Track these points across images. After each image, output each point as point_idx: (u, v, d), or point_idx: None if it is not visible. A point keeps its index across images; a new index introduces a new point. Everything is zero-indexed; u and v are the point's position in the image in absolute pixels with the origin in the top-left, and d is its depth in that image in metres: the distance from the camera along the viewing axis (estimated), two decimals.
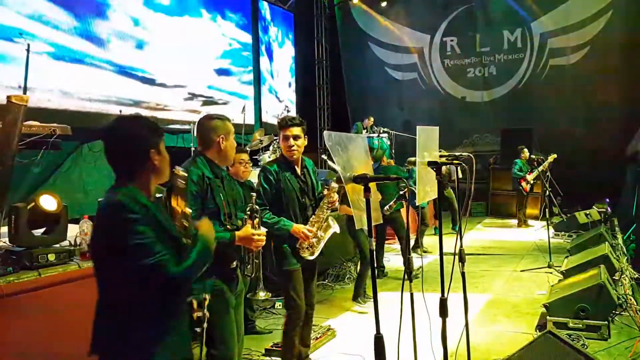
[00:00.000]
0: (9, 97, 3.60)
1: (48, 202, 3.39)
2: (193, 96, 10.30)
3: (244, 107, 8.90)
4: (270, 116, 12.75)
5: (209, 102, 10.68)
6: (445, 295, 2.45)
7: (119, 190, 1.90)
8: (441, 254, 2.49)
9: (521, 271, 6.35)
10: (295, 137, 3.31)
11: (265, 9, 12.65)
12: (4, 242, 3.60)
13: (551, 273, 6.12)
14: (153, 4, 9.34)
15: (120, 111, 8.34)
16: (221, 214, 2.68)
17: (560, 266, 5.97)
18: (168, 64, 9.73)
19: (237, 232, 2.71)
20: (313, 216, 3.37)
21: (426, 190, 2.28)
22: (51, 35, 7.59)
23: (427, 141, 2.32)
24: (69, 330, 3.32)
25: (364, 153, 1.92)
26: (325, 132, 1.89)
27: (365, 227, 1.83)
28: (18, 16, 7.22)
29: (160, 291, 1.83)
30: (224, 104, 11.12)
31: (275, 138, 8.29)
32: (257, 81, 12.22)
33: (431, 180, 2.29)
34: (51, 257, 3.41)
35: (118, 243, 1.79)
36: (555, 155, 9.16)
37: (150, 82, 9.30)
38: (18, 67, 7.21)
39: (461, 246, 2.75)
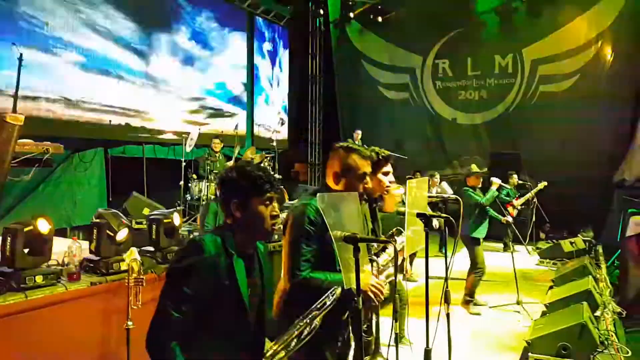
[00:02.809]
0: (3, 117, 3.62)
1: (44, 226, 3.39)
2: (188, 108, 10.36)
3: (236, 125, 8.94)
4: (262, 129, 12.79)
5: (200, 112, 10.73)
6: (430, 345, 2.48)
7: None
8: (427, 304, 2.53)
9: (490, 307, 6.20)
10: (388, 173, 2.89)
11: (261, 25, 12.75)
12: None
13: (518, 312, 5.97)
14: None
15: (110, 121, 8.36)
16: (336, 261, 2.14)
17: (532, 301, 6.01)
18: (169, 74, 9.81)
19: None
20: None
21: (415, 240, 2.33)
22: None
23: (417, 194, 2.38)
24: (53, 354, 3.32)
25: (355, 211, 1.96)
26: (319, 195, 1.92)
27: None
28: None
29: None
30: (219, 115, 11.18)
31: (266, 156, 8.36)
32: (251, 94, 12.28)
33: (419, 229, 2.34)
34: (39, 279, 3.38)
35: None
36: (545, 183, 9.29)
37: (148, 89, 9.33)
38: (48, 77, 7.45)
39: (446, 287, 2.80)
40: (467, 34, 12.61)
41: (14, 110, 3.88)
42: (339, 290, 1.82)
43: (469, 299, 6.11)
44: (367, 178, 2.37)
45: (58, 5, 7.80)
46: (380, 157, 2.82)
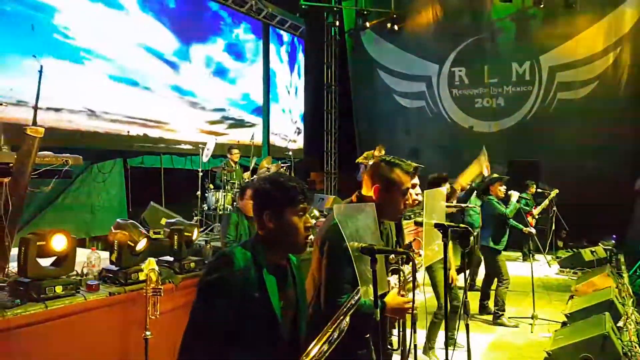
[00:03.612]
0: (24, 129, 3.69)
1: (59, 243, 3.41)
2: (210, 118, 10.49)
3: (252, 135, 9.00)
4: (278, 138, 12.85)
5: (221, 122, 10.86)
6: (450, 356, 2.45)
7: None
8: (445, 314, 2.50)
9: (508, 318, 6.03)
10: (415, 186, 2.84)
11: (276, 35, 12.87)
12: (14, 271, 3.65)
13: (532, 324, 5.78)
14: None
15: (128, 132, 8.48)
16: None
17: (545, 319, 5.91)
18: (197, 85, 10.01)
19: (386, 300, 2.18)
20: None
21: (433, 250, 2.31)
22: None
23: (434, 204, 2.35)
24: None
25: (372, 222, 1.95)
26: (335, 206, 1.90)
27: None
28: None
29: None
30: (240, 126, 11.30)
31: (282, 166, 8.39)
32: (267, 103, 12.37)
33: (438, 239, 2.32)
34: (58, 289, 3.41)
35: None
36: (557, 191, 9.18)
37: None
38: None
39: (465, 298, 2.77)
40: (483, 42, 12.55)
41: (34, 123, 3.94)
42: (364, 289, 1.80)
43: (500, 312, 5.99)
44: (409, 194, 2.33)
45: (93, 16, 8.06)
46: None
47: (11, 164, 3.72)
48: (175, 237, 4.21)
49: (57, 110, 7.44)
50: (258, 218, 1.86)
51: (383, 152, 11.24)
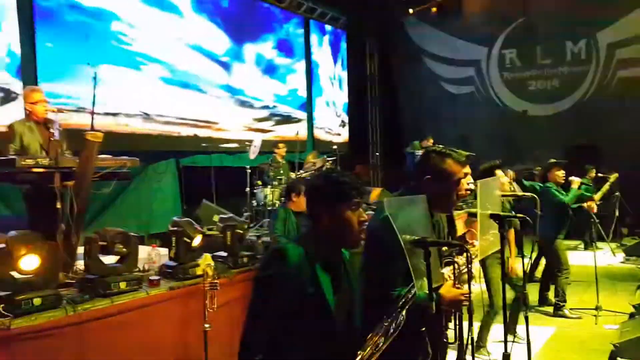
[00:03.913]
0: (84, 135, 3.87)
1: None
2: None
3: (297, 132, 9.07)
4: (323, 132, 12.86)
5: (269, 119, 11.02)
6: (509, 349, 2.40)
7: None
8: (504, 307, 2.45)
9: (570, 309, 5.81)
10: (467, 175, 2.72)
11: (318, 28, 12.86)
12: (81, 269, 3.85)
13: (597, 315, 5.53)
14: None
15: (179, 133, 8.72)
16: None
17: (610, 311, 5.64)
18: (248, 83, 10.31)
19: (442, 292, 2.13)
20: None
21: (489, 240, 2.26)
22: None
23: (488, 194, 2.29)
24: (137, 356, 3.51)
25: (424, 215, 1.92)
26: (386, 200, 1.90)
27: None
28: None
29: None
30: (287, 122, 11.40)
31: (328, 160, 8.41)
32: (310, 97, 12.40)
33: (493, 230, 2.26)
34: (122, 285, 3.59)
35: None
36: (616, 175, 8.72)
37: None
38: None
39: (524, 289, 2.71)
40: (534, 21, 12.03)
41: (92, 128, 4.12)
42: (418, 282, 1.79)
43: (561, 303, 5.78)
44: (461, 184, 2.29)
45: (148, 20, 8.38)
46: None
47: (74, 168, 3.92)
48: (228, 233, 4.33)
49: (114, 114, 7.76)
50: (312, 214, 1.88)
51: (431, 142, 11.09)
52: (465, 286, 2.30)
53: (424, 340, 2.18)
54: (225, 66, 9.80)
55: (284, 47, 11.27)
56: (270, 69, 10.93)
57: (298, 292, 1.76)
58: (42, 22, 6.92)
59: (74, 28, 7.27)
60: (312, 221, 1.89)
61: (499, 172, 4.55)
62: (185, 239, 3.97)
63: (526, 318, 2.65)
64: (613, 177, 8.69)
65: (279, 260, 1.80)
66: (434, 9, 12.86)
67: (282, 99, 11.34)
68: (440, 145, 2.39)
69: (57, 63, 7.04)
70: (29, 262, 3.07)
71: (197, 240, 4.01)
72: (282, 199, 6.72)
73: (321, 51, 12.90)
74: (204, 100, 9.37)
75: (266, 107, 10.91)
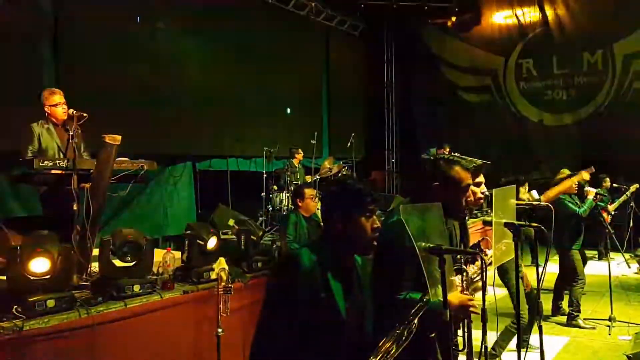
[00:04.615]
0: (103, 137, 3.92)
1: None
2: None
3: (314, 136, 9.08)
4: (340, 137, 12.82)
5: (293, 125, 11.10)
6: (523, 358, 2.38)
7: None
8: (518, 316, 2.44)
9: (583, 319, 5.74)
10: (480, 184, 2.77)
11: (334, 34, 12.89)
12: (96, 271, 3.89)
13: (610, 326, 5.42)
14: None
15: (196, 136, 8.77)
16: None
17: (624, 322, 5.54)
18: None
19: (449, 298, 2.05)
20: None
21: (502, 250, 2.26)
22: None
23: (504, 202, 2.29)
24: (150, 359, 3.53)
25: (439, 222, 1.93)
26: (402, 206, 1.91)
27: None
28: None
29: None
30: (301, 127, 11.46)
31: (344, 166, 8.42)
32: (327, 103, 12.42)
33: (508, 239, 2.26)
34: (136, 288, 3.60)
35: None
36: (637, 185, 8.63)
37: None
38: None
39: (538, 298, 2.69)
40: (551, 31, 12.01)
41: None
42: (432, 290, 1.80)
43: (575, 313, 5.72)
44: (470, 191, 2.31)
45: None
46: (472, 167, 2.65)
47: (92, 170, 3.98)
48: (243, 237, 4.34)
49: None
50: (326, 220, 1.91)
51: (447, 150, 11.03)
52: (477, 294, 2.30)
53: (434, 346, 2.18)
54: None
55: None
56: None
57: (310, 297, 1.78)
58: None
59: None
60: (326, 227, 1.92)
61: (521, 189, 4.52)
62: (199, 242, 3.99)
63: (540, 327, 2.64)
64: (633, 187, 8.61)
65: (291, 266, 1.82)
66: (452, 18, 12.84)
67: (304, 103, 11.45)
68: (456, 154, 2.39)
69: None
70: (40, 263, 3.08)
71: (211, 244, 4.02)
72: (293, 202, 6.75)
73: (339, 57, 12.92)
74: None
75: (292, 113, 11.03)
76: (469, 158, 2.65)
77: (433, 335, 2.21)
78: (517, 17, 12.42)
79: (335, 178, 1.87)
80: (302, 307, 1.77)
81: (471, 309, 2.14)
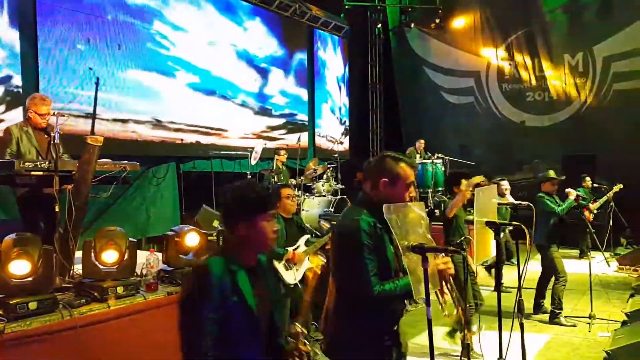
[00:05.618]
0: (85, 138, 3.88)
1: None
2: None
3: (299, 138, 9.08)
4: (324, 140, 12.85)
5: (285, 127, 11.10)
6: (504, 356, 2.42)
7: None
8: (499, 314, 2.47)
9: (564, 317, 5.82)
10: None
11: (319, 36, 12.91)
12: (79, 273, 3.85)
13: (591, 324, 5.54)
14: None
15: (182, 140, 8.72)
16: (392, 270, 2.25)
17: (603, 319, 5.67)
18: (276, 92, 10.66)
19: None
20: None
21: (484, 248, 2.29)
22: None
23: (485, 201, 2.33)
24: None
25: (420, 220, 1.95)
26: (385, 205, 1.94)
27: None
28: None
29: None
30: (302, 129, 11.49)
31: (329, 167, 8.43)
32: (312, 103, 12.41)
33: (489, 239, 2.29)
34: (120, 289, 3.59)
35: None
36: (621, 186, 8.80)
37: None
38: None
39: (520, 296, 2.73)
40: (533, 34, 12.21)
41: (92, 132, 4.12)
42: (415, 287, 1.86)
43: (557, 311, 5.82)
44: (412, 187, 2.42)
45: (194, 24, 8.66)
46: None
47: (73, 172, 3.93)
48: (221, 238, 4.33)
49: (123, 121, 7.70)
50: (231, 225, 2.00)
51: (422, 143, 11.13)
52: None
53: (395, 339, 2.33)
54: (262, 72, 10.20)
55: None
56: (302, 80, 11.38)
57: (223, 301, 1.87)
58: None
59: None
60: (230, 231, 2.01)
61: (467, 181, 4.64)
62: (176, 239, 3.98)
63: (521, 325, 2.67)
64: (617, 187, 8.78)
65: (202, 276, 1.90)
66: (436, 20, 12.95)
67: (304, 105, 11.57)
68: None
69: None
70: (21, 265, 3.05)
71: (192, 243, 4.01)
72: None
73: (324, 60, 12.95)
74: (225, 107, 9.55)
75: (284, 115, 11.06)
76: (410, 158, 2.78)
77: (396, 328, 2.34)
78: (500, 20, 12.56)
79: (237, 185, 1.94)
80: (217, 311, 1.85)
81: (449, 270, 2.18)
